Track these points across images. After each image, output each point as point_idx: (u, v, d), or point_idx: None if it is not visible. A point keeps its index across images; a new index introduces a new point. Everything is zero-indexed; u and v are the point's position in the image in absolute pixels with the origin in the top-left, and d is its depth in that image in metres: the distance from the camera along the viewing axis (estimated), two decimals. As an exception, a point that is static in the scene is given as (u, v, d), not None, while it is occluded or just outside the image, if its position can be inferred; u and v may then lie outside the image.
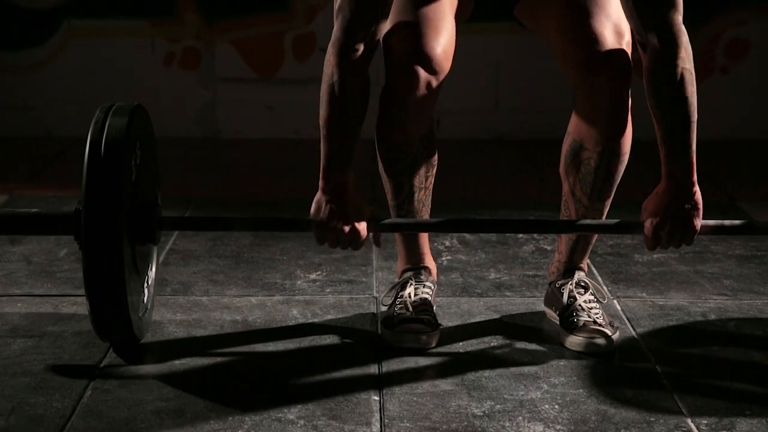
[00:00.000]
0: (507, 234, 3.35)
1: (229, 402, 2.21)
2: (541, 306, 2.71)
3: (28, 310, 2.72)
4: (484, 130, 4.96)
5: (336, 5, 2.32)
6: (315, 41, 4.90)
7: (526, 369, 2.38)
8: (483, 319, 2.70)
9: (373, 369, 2.39)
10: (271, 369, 2.40)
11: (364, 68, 2.33)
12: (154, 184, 2.55)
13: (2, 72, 4.94)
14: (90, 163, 2.28)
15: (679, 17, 2.27)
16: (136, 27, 4.92)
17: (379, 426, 2.12)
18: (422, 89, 2.37)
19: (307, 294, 2.87)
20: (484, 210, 3.72)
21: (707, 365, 2.46)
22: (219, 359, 2.45)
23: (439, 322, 2.55)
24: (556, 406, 2.20)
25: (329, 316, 2.71)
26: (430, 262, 2.66)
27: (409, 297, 2.56)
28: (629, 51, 2.38)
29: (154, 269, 2.59)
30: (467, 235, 3.36)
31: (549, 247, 3.26)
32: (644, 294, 2.88)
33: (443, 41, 2.39)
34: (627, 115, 2.40)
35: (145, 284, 2.50)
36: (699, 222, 2.34)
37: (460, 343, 2.53)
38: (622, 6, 2.30)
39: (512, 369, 2.38)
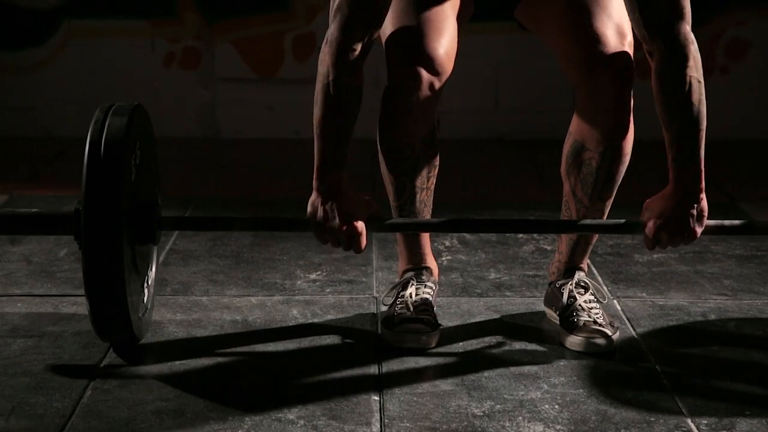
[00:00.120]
0: (507, 234, 3.35)
1: (229, 402, 2.21)
2: (541, 306, 2.71)
3: (28, 310, 2.72)
4: (484, 130, 4.96)
5: (334, 4, 2.32)
6: (315, 41, 4.89)
7: (526, 369, 2.38)
8: (483, 319, 2.70)
9: (373, 369, 2.39)
10: (271, 369, 2.40)
11: (360, 68, 2.33)
12: (154, 184, 2.55)
13: (2, 72, 4.94)
14: (90, 163, 2.28)
15: (687, 26, 2.27)
16: (136, 27, 4.92)
17: (379, 426, 2.12)
18: (424, 90, 2.37)
19: (307, 294, 2.87)
20: (484, 210, 3.72)
21: (707, 365, 2.46)
22: (219, 359, 2.45)
23: (439, 322, 2.55)
24: (556, 406, 2.20)
25: (329, 316, 2.71)
26: (431, 262, 2.66)
27: (410, 297, 2.56)
28: (631, 51, 2.38)
29: (154, 269, 2.59)
30: (467, 235, 3.36)
31: (549, 247, 3.26)
32: (644, 294, 2.88)
33: (445, 42, 2.39)
34: (629, 116, 2.40)
35: (145, 284, 2.49)
36: (701, 229, 2.34)
37: (460, 343, 2.53)
38: (629, 15, 2.30)
39: (512, 369, 2.38)
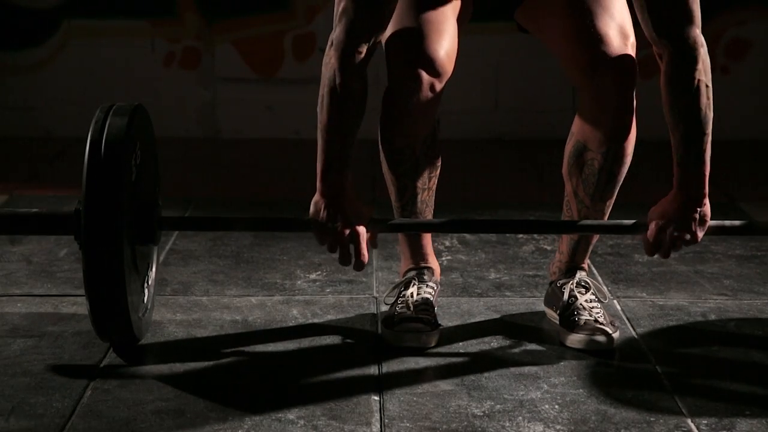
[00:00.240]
0: (507, 234, 3.35)
1: (229, 402, 2.21)
2: (541, 306, 2.71)
3: (28, 310, 2.72)
4: (484, 130, 4.96)
5: (339, 7, 2.31)
6: (315, 41, 4.90)
7: (526, 369, 2.38)
8: (483, 319, 2.70)
9: (373, 369, 2.39)
10: (271, 369, 2.40)
11: (365, 71, 2.33)
12: (154, 184, 2.55)
13: (2, 72, 4.94)
14: (90, 163, 2.28)
15: (697, 30, 2.28)
16: (136, 27, 4.92)
17: (379, 426, 2.12)
18: (425, 92, 2.37)
19: (307, 294, 2.87)
20: (484, 210, 3.72)
21: (707, 365, 2.46)
22: (219, 359, 2.45)
23: (439, 322, 2.55)
24: (556, 406, 2.20)
25: (329, 316, 2.71)
26: (433, 262, 2.67)
27: (411, 297, 2.56)
28: (634, 52, 2.38)
29: (154, 269, 2.59)
30: (467, 235, 3.36)
31: (549, 247, 3.26)
32: (644, 294, 2.88)
33: (446, 44, 2.39)
34: (632, 117, 2.40)
35: (145, 284, 2.49)
36: (702, 233, 2.34)
37: (460, 343, 2.53)
38: (638, 17, 2.30)
39: (512, 369, 2.38)
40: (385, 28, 2.33)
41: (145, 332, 2.52)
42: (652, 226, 2.36)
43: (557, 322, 2.57)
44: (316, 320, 2.69)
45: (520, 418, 2.15)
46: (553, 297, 2.63)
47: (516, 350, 2.49)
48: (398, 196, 2.54)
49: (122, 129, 2.32)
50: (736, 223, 2.50)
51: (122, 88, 4.81)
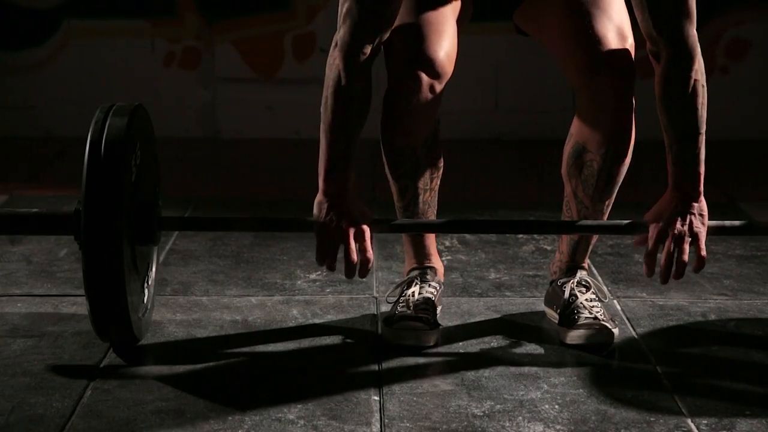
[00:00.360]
0: (507, 234, 3.35)
1: (229, 402, 2.21)
2: (541, 306, 2.71)
3: (28, 310, 2.72)
4: (484, 130, 4.96)
5: (343, 8, 2.31)
6: (315, 41, 4.90)
7: (526, 369, 2.38)
8: (483, 319, 2.70)
9: (373, 369, 2.39)
10: (271, 369, 2.40)
11: (369, 71, 2.34)
12: (154, 184, 2.55)
13: (2, 72, 4.94)
14: (90, 163, 2.28)
15: (694, 29, 2.28)
16: (136, 27, 4.92)
17: (379, 426, 2.12)
18: (425, 93, 2.37)
19: (307, 294, 2.87)
20: (484, 210, 3.72)
21: (707, 365, 2.46)
22: (219, 359, 2.45)
23: (439, 322, 2.55)
24: (556, 406, 2.20)
25: (329, 316, 2.71)
26: (436, 262, 2.67)
27: (413, 296, 2.56)
28: (632, 53, 2.38)
29: (154, 269, 2.59)
30: (467, 235, 3.36)
31: (549, 247, 3.26)
32: (644, 294, 2.88)
33: (446, 45, 2.39)
34: (631, 118, 2.40)
35: (145, 284, 2.49)
36: (704, 230, 2.34)
37: (460, 343, 2.53)
38: (638, 16, 2.30)
39: (512, 369, 2.38)
40: (389, 29, 2.33)
41: (145, 332, 2.52)
42: (652, 228, 2.36)
43: (557, 322, 2.57)
44: (316, 320, 2.69)
45: (520, 418, 2.15)
46: (553, 296, 2.63)
47: (516, 350, 2.49)
48: (400, 197, 2.55)
49: (122, 129, 2.32)
50: (736, 223, 2.51)
51: (122, 88, 4.81)
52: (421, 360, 2.44)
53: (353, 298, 2.83)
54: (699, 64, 2.30)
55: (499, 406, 2.20)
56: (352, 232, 2.34)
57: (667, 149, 2.34)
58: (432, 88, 2.38)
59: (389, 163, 2.51)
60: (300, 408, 2.18)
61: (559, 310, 2.57)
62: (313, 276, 3.01)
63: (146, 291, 2.50)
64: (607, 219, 2.55)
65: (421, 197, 2.54)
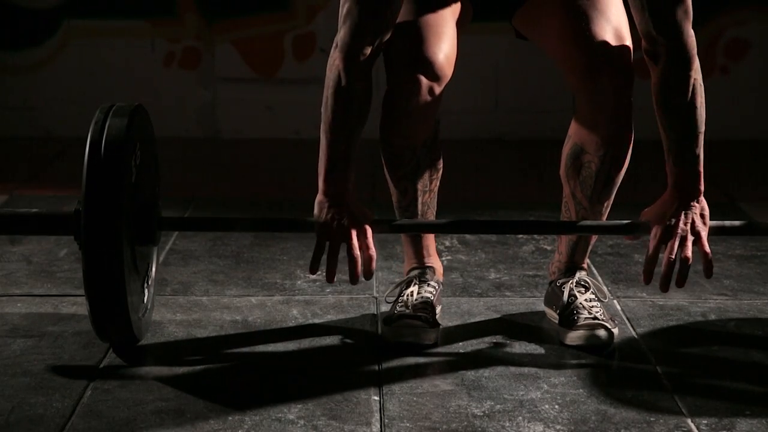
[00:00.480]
0: (507, 234, 3.35)
1: (229, 402, 2.21)
2: (541, 306, 2.71)
3: (28, 310, 2.72)
4: (484, 130, 4.96)
5: (344, 9, 2.31)
6: (315, 41, 4.90)
7: (526, 369, 2.38)
8: (483, 319, 2.70)
9: (373, 369, 2.39)
10: (271, 369, 2.40)
11: (370, 72, 2.34)
12: (154, 184, 2.55)
13: (2, 72, 4.94)
14: (90, 163, 2.28)
15: (691, 29, 2.28)
16: (136, 27, 4.92)
17: (379, 426, 2.12)
18: (424, 95, 2.37)
19: (307, 294, 2.88)
20: (485, 210, 3.72)
21: (707, 365, 2.46)
22: (219, 359, 2.45)
23: (439, 322, 2.55)
24: (556, 406, 2.20)
25: (329, 316, 2.71)
26: (435, 262, 2.67)
27: (411, 296, 2.56)
28: (631, 55, 2.38)
29: (154, 269, 2.59)
30: (467, 235, 3.36)
31: (549, 247, 3.26)
32: (644, 294, 2.88)
33: (445, 47, 2.39)
34: (629, 120, 2.40)
35: (145, 284, 2.50)
36: (706, 229, 2.34)
37: (460, 343, 2.53)
38: (636, 16, 2.29)
39: (512, 369, 2.38)
40: (389, 30, 2.33)
41: (145, 332, 2.52)
42: (653, 232, 2.35)
43: (557, 322, 2.57)
44: (316, 320, 2.69)
45: (520, 418, 2.15)
46: (552, 297, 2.63)
47: (516, 350, 2.49)
48: (399, 198, 2.55)
49: (122, 130, 2.32)
50: (736, 223, 2.50)
51: (122, 88, 4.81)
52: (421, 360, 2.44)
53: (353, 298, 2.83)
54: (697, 64, 2.30)
55: (499, 406, 2.20)
56: (354, 231, 2.34)
57: (666, 149, 2.34)
58: (431, 90, 2.38)
59: (388, 165, 2.51)
60: (300, 408, 2.18)
61: (558, 311, 2.57)
62: (313, 276, 3.00)
63: (146, 291, 2.50)
64: (607, 219, 2.55)
65: (420, 199, 2.54)
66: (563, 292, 2.57)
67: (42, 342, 2.51)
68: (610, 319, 2.53)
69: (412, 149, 2.48)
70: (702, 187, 2.34)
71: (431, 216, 2.58)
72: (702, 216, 2.35)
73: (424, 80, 2.37)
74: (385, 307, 2.68)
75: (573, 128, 2.49)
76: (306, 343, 2.54)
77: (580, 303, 2.53)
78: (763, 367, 2.44)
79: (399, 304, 2.56)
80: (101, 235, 2.26)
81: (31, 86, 4.94)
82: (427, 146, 2.49)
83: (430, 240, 2.65)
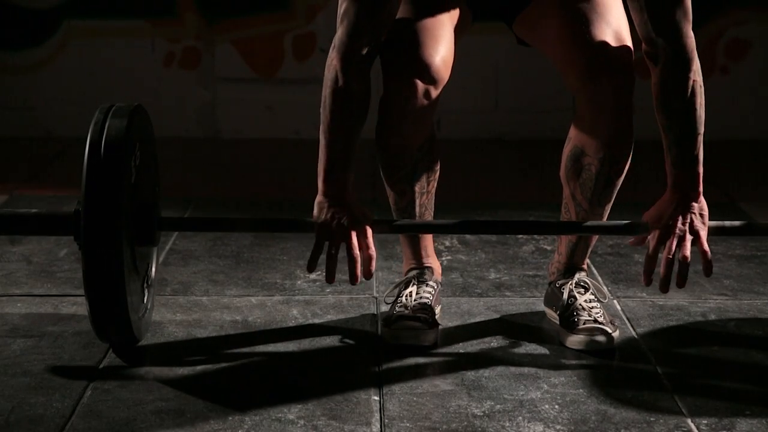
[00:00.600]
0: (507, 234, 3.35)
1: (229, 402, 2.21)
2: (541, 306, 2.71)
3: (28, 310, 2.72)
4: (484, 130, 4.95)
5: (341, 9, 2.31)
6: (315, 41, 4.90)
7: (526, 369, 2.38)
8: (483, 319, 2.70)
9: (373, 369, 2.39)
10: (271, 369, 2.40)
11: (368, 72, 2.34)
12: (154, 184, 2.55)
13: (2, 72, 4.94)
14: (90, 163, 2.28)
15: (691, 30, 2.28)
16: (136, 27, 4.92)
17: (379, 426, 2.12)
18: (421, 98, 2.37)
19: (307, 294, 2.88)
20: (484, 210, 3.72)
21: (707, 365, 2.46)
22: (219, 359, 2.45)
23: (439, 322, 2.55)
24: (556, 406, 2.20)
25: (329, 316, 2.71)
26: (433, 262, 2.67)
27: (410, 296, 2.56)
28: (631, 58, 2.37)
29: (154, 269, 2.59)
30: (467, 235, 3.36)
31: (549, 247, 3.26)
32: (644, 294, 2.88)
33: (442, 50, 2.39)
34: (629, 122, 2.40)
35: (145, 284, 2.50)
36: (705, 229, 2.34)
37: (460, 343, 2.53)
38: (636, 17, 2.29)
39: (512, 369, 2.38)
40: (387, 29, 2.33)
41: (144, 332, 2.52)
42: (653, 230, 2.35)
43: (557, 323, 2.57)
44: (316, 320, 2.69)
45: (520, 418, 2.15)
46: (552, 297, 2.63)
47: (516, 350, 2.49)
48: (397, 200, 2.55)
49: (122, 130, 2.32)
50: (736, 223, 2.50)
51: (122, 88, 4.81)
52: (421, 360, 2.44)
53: (353, 298, 2.83)
54: (697, 65, 2.30)
55: (499, 406, 2.20)
56: (353, 232, 2.34)
57: (666, 150, 2.34)
58: (427, 94, 2.37)
59: (385, 168, 2.51)
60: (300, 408, 2.18)
61: (558, 312, 2.57)
62: (313, 276, 3.00)
63: (146, 291, 2.50)
64: (607, 220, 2.55)
65: (417, 201, 2.53)
66: (563, 293, 2.57)
67: (42, 342, 2.51)
68: (611, 321, 2.52)
69: (409, 152, 2.47)
70: (701, 188, 2.34)
71: (429, 217, 2.58)
72: (701, 216, 2.35)
73: (420, 83, 2.36)
74: (385, 307, 2.68)
75: (573, 130, 2.49)
76: (306, 343, 2.54)
77: (580, 304, 2.53)
78: (763, 367, 2.44)
79: (398, 304, 2.56)
80: (101, 236, 2.26)
81: (31, 86, 4.94)
82: (424, 149, 2.49)
83: (428, 240, 2.66)
